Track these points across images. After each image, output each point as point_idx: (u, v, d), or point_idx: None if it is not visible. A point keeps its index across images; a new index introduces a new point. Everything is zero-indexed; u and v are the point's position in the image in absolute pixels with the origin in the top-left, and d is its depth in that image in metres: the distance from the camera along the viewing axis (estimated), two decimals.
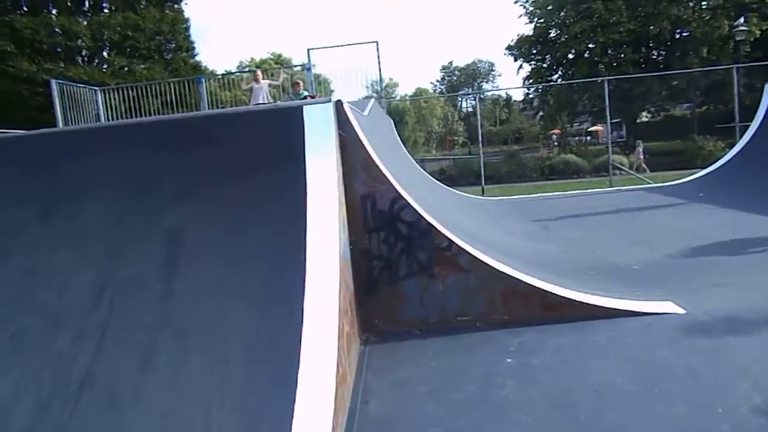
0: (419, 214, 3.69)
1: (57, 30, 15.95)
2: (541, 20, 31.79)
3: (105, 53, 17.37)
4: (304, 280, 3.01)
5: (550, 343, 3.42)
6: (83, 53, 16.94)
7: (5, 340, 3.18)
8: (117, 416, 2.73)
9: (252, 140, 3.53)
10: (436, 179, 26.88)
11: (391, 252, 3.77)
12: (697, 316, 3.58)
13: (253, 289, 3.15)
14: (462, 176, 28.38)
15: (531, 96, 38.20)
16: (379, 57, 11.81)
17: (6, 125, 11.18)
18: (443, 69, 64.83)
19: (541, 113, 39.10)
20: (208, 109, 12.26)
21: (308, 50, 11.72)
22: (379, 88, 12.24)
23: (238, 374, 2.86)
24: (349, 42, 11.86)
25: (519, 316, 3.72)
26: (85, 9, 17.57)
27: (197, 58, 21.85)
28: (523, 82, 35.37)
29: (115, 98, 12.42)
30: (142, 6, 19.12)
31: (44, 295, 3.33)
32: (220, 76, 13.13)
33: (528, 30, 32.43)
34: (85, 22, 16.69)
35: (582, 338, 3.46)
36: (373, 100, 7.24)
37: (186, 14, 21.37)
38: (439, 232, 3.70)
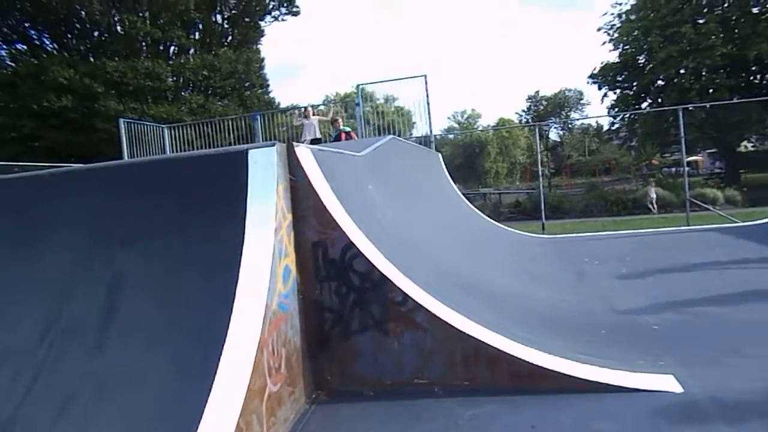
0: (371, 264, 3.40)
1: (142, 72, 17.37)
2: (627, 47, 30.34)
3: (185, 93, 18.62)
4: (225, 335, 2.84)
5: (504, 420, 2.97)
6: (165, 93, 18.27)
7: None
8: None
9: (199, 184, 3.46)
10: (510, 211, 26.10)
11: (343, 304, 3.50)
12: (695, 397, 2.97)
13: (176, 342, 3.03)
14: (536, 209, 27.28)
15: (617, 125, 36.34)
16: (427, 90, 11.66)
17: (97, 159, 12.24)
18: (529, 99, 63.51)
19: (628, 143, 37.07)
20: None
21: (358, 86, 11.84)
22: (428, 122, 11.99)
23: (141, 430, 2.73)
24: (398, 77, 11.76)
25: (483, 383, 3.29)
26: (169, 53, 19.08)
27: (271, 95, 23.04)
28: (608, 111, 33.85)
29: (179, 135, 13.20)
30: (225, 47, 20.51)
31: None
32: (277, 112, 13.47)
33: (613, 57, 30.98)
34: (167, 65, 18.04)
35: (544, 416, 2.97)
36: (390, 137, 7.03)
37: (263, 54, 22.73)
38: (393, 284, 3.38)
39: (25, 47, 19.53)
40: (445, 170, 11.42)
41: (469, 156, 57.48)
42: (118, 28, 18.17)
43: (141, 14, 17.96)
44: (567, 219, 20.56)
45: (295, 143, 3.56)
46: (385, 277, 3.39)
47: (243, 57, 19.86)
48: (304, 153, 3.57)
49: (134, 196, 3.54)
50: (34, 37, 19.30)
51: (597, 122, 50.20)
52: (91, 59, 17.58)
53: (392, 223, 4.79)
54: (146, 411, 2.79)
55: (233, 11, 20.81)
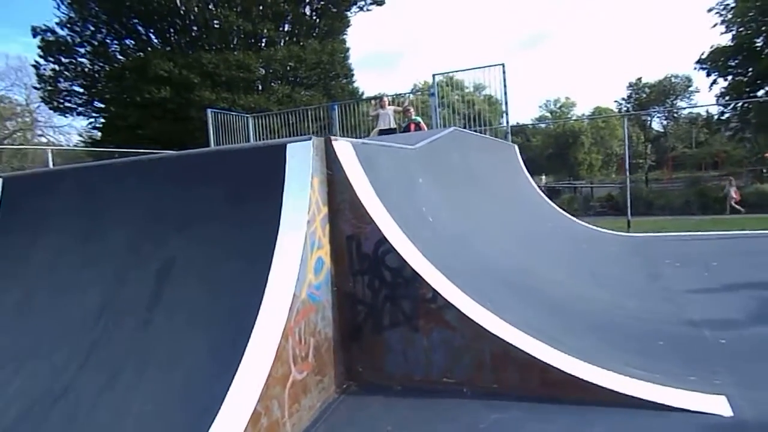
0: (403, 260, 3.38)
1: (233, 64, 18.31)
2: (741, 29, 27.51)
3: (273, 83, 19.40)
4: (255, 322, 2.98)
5: (528, 428, 2.87)
6: (255, 83, 19.15)
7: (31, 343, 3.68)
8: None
9: (243, 176, 3.61)
10: (601, 206, 24.67)
11: (375, 298, 3.52)
12: (745, 424, 2.69)
13: (212, 325, 3.20)
14: (630, 204, 25.69)
15: (727, 115, 33.18)
16: (504, 80, 11.29)
17: (192, 146, 13.15)
18: (631, 86, 59.26)
19: (741, 134, 33.78)
20: (339, 133, 12.91)
21: (433, 75, 11.69)
22: (502, 110, 11.60)
23: (170, 407, 2.93)
24: (474, 66, 11.48)
25: (512, 387, 3.19)
26: (260, 44, 19.93)
27: (356, 84, 23.39)
28: (717, 100, 31.03)
29: (263, 124, 13.79)
30: (311, 38, 21.11)
31: (67, 310, 3.79)
32: (355, 102, 13.66)
33: (724, 40, 28.24)
34: (257, 57, 18.87)
35: (571, 428, 2.83)
36: (452, 129, 6.89)
37: (348, 44, 23.14)
38: (424, 281, 3.34)
39: (132, 42, 21.29)
40: (521, 163, 11.04)
41: (561, 146, 55.07)
42: (214, 22, 19.22)
43: (234, 8, 18.88)
44: (661, 216, 19.19)
45: (333, 137, 3.61)
46: (417, 273, 3.36)
47: (328, 48, 20.32)
48: (342, 147, 3.61)
49: (187, 185, 3.77)
50: (142, 32, 20.96)
51: (707, 111, 45.89)
52: (189, 52, 18.78)
53: (443, 217, 4.73)
54: (177, 390, 2.97)
55: (320, 3, 21.30)
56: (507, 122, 11.63)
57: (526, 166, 10.69)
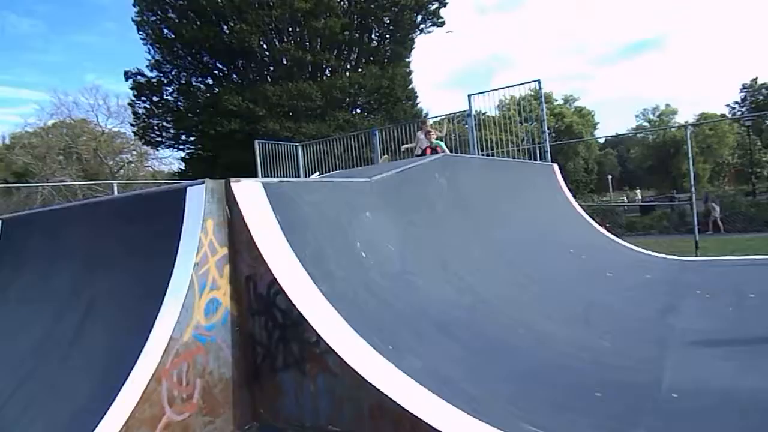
0: (291, 302, 3.34)
1: (295, 94, 19.15)
2: None
3: (333, 110, 20.01)
4: (131, 366, 3.09)
5: None
6: (316, 111, 19.86)
7: None
8: None
9: (150, 219, 3.77)
10: (698, 221, 22.59)
11: (270, 339, 3.50)
12: None
13: (108, 367, 3.33)
14: (730, 219, 23.51)
15: None
16: (542, 95, 10.80)
17: (264, 176, 13.93)
18: (745, 88, 53.74)
19: None
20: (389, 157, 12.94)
21: (468, 96, 11.45)
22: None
23: None
24: (511, 84, 11.10)
25: None
26: (321, 74, 20.71)
27: (419, 106, 23.47)
28: None
29: (311, 152, 14.24)
30: (372, 64, 21.59)
31: (19, 342, 4.14)
32: (388, 127, 13.69)
33: None
34: (317, 86, 19.60)
35: None
36: (441, 155, 6.68)
37: (411, 68, 23.34)
38: (308, 324, 3.27)
39: (211, 80, 23.04)
40: (560, 183, 10.45)
41: (662, 157, 51.31)
42: (280, 57, 20.29)
43: (294, 41, 19.81)
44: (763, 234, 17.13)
45: (235, 179, 3.67)
46: (302, 315, 3.30)
47: (388, 73, 20.62)
48: (244, 188, 3.66)
49: (113, 229, 4.01)
50: (216, 71, 22.63)
51: None
52: (255, 86, 19.92)
53: (392, 252, 4.60)
54: (63, 427, 3.14)
55: (382, 29, 21.74)
56: (546, 140, 11.04)
57: (623, 179, 10.08)
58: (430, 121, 12.89)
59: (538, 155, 11.63)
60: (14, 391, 3.67)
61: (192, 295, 3.31)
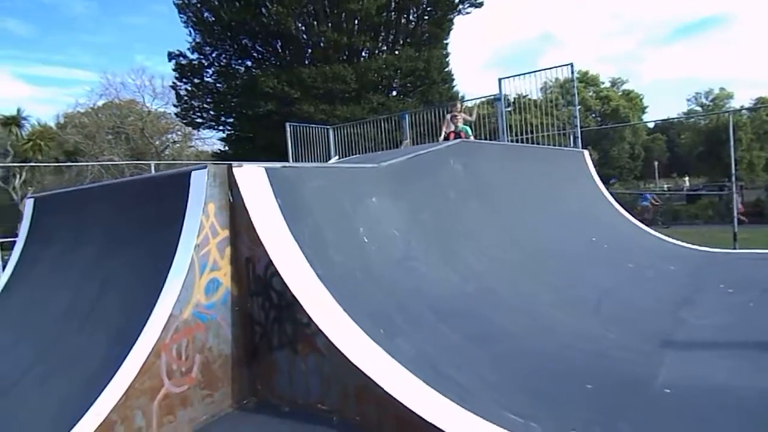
0: (285, 284, 3.46)
1: (330, 77, 19.24)
2: None
3: (367, 93, 20.00)
4: (134, 341, 3.29)
5: None
6: (350, 94, 19.91)
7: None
8: None
9: (163, 201, 3.94)
10: (747, 212, 21.66)
11: (267, 319, 3.64)
12: None
13: (112, 340, 3.55)
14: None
15: None
16: (573, 79, 10.51)
17: (294, 158, 14.21)
18: None
19: None
20: (411, 141, 12.95)
21: (499, 80, 11.25)
22: (576, 109, 10.75)
23: (63, 407, 3.33)
24: (539, 68, 10.84)
25: (372, 422, 3.11)
26: (356, 57, 20.70)
27: (456, 89, 23.18)
28: None
29: (342, 135, 14.34)
30: (408, 45, 21.44)
31: (48, 310, 4.44)
32: (420, 111, 13.59)
33: None
34: (351, 69, 19.62)
35: None
36: (458, 141, 6.61)
37: (449, 49, 23.01)
38: (300, 305, 3.39)
39: (250, 62, 23.36)
40: (590, 170, 10.20)
41: (713, 144, 48.98)
42: (317, 39, 20.38)
43: (330, 23, 19.84)
44: None
45: (237, 164, 3.79)
46: (295, 297, 3.42)
47: (424, 55, 20.40)
48: (245, 173, 3.78)
49: (130, 208, 4.23)
50: (254, 53, 22.92)
51: None
52: (292, 68, 20.11)
53: (395, 238, 4.67)
54: (72, 392, 3.37)
55: (419, 10, 21.48)
56: (577, 126, 10.76)
57: (672, 166, 9.82)
58: (465, 104, 12.75)
59: (571, 141, 11.37)
60: (39, 357, 3.96)
61: (192, 275, 3.47)
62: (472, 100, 17.09)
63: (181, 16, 22.58)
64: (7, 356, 4.12)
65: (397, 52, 20.69)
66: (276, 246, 3.61)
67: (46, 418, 3.24)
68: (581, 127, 12.02)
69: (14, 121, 29.10)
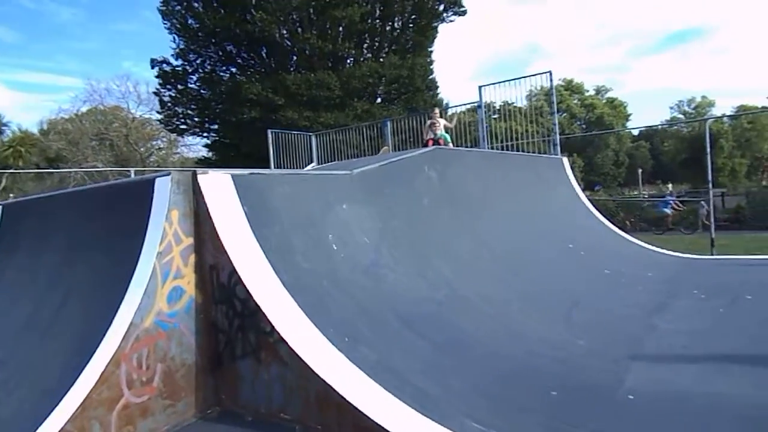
0: (248, 292, 3.43)
1: (314, 83, 19.24)
2: None
3: (352, 100, 20.03)
4: (93, 351, 3.24)
5: None
6: (335, 101, 19.91)
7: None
8: None
9: (126, 208, 3.90)
10: (725, 219, 21.84)
11: (231, 327, 3.61)
12: None
13: (77, 350, 3.49)
14: (757, 217, 22.92)
15: None
16: (552, 87, 10.62)
17: (276, 165, 14.16)
18: None
19: None
20: (392, 148, 12.99)
21: (479, 87, 11.34)
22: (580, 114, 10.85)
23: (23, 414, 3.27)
24: (522, 75, 10.92)
25: (332, 430, 3.09)
26: (340, 63, 20.74)
27: (440, 97, 23.32)
28: None
29: (325, 141, 14.33)
30: (393, 53, 21.55)
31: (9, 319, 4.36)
32: (401, 118, 13.66)
33: None
34: (335, 76, 19.64)
35: None
36: (432, 149, 6.65)
37: (434, 57, 23.16)
38: (263, 314, 3.36)
39: (234, 69, 23.29)
40: (569, 176, 10.29)
41: (696, 151, 49.62)
42: (298, 46, 20.38)
43: (313, 31, 19.85)
44: None
45: (202, 171, 3.77)
46: (258, 305, 3.39)
47: (408, 62, 20.49)
48: (210, 180, 3.75)
49: (91, 216, 4.17)
50: (239, 60, 22.88)
51: None
52: (277, 74, 20.09)
53: (364, 244, 4.66)
54: (31, 402, 3.31)
55: (403, 18, 21.60)
56: (556, 132, 10.85)
57: (656, 173, 9.90)
58: (448, 112, 12.81)
59: (551, 148, 11.46)
60: (3, 366, 3.88)
61: (155, 283, 3.44)
62: (456, 107, 17.24)
63: (165, 22, 22.49)
64: None
65: (381, 60, 20.74)
66: (240, 253, 3.58)
67: (3, 428, 3.19)
68: (566, 134, 12.13)
69: None
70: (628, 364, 4.01)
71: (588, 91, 54.27)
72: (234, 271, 3.52)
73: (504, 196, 7.46)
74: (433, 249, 5.33)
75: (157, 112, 26.99)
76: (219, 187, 3.78)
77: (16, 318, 4.28)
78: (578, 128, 48.05)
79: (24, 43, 58.40)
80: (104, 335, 3.28)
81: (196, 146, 38.28)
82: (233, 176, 3.93)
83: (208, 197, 3.69)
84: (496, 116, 16.11)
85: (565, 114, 49.02)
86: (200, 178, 3.72)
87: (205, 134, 25.66)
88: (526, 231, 7.22)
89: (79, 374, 3.14)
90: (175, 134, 30.19)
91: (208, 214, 3.65)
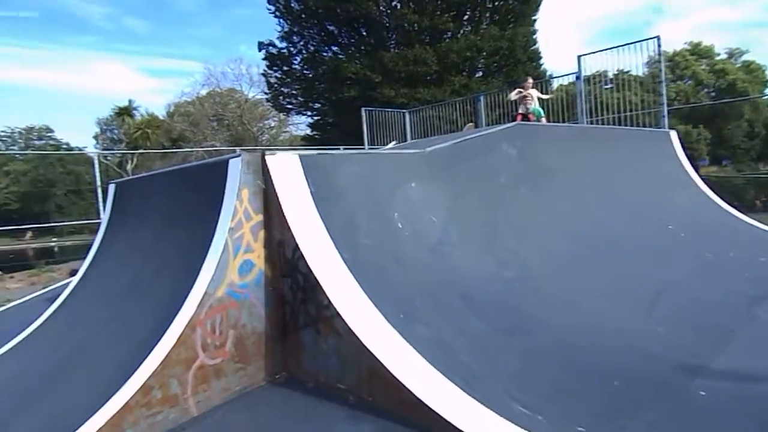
0: (309, 267, 3.62)
1: (411, 60, 19.19)
2: None
3: (449, 75, 19.73)
4: (175, 315, 3.62)
5: None
6: (432, 77, 19.74)
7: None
8: None
9: (209, 187, 4.21)
10: None
11: (295, 299, 3.83)
12: None
13: (163, 314, 3.90)
14: None
15: None
16: (660, 55, 9.70)
17: (370, 142, 14.58)
18: None
19: None
20: (485, 123, 12.70)
21: (578, 57, 10.66)
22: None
23: (116, 370, 3.74)
24: (626, 42, 10.06)
25: (382, 402, 3.21)
26: (438, 38, 20.42)
27: (544, 67, 22.19)
28: None
29: (419, 118, 14.32)
30: (493, 24, 20.84)
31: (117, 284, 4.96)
32: (496, 92, 13.20)
33: None
34: (432, 51, 19.42)
35: None
36: (514, 124, 6.35)
37: (537, 26, 22.01)
38: (321, 288, 3.53)
39: (336, 48, 23.87)
40: (677, 151, 9.43)
41: None
42: (396, 22, 20.35)
43: (410, 5, 19.69)
44: None
45: (270, 152, 3.99)
46: (317, 280, 3.56)
47: (508, 33, 19.71)
48: (277, 161, 3.96)
49: (182, 193, 4.59)
50: (340, 39, 23.38)
51: None
52: (375, 52, 20.29)
53: (432, 223, 4.68)
54: (126, 358, 3.77)
55: None
56: (663, 104, 9.93)
57: None
58: (551, 84, 12.20)
59: (664, 121, 10.51)
60: (107, 324, 4.45)
61: (227, 256, 3.73)
62: (560, 77, 16.30)
63: (270, 6, 23.50)
64: (88, 319, 4.68)
65: (480, 32, 20.12)
66: (303, 230, 3.77)
67: (105, 376, 3.66)
68: (691, 104, 11.09)
69: (126, 112, 32.07)
70: (710, 358, 3.69)
71: (719, 54, 48.61)
72: (297, 247, 3.72)
73: (594, 174, 7.04)
74: (506, 229, 5.20)
75: (264, 93, 28.52)
76: (286, 167, 3.98)
77: (122, 282, 4.85)
78: (705, 96, 43.42)
79: (153, 32, 64.18)
80: (183, 302, 3.63)
81: (302, 125, 40.00)
82: (300, 156, 4.10)
83: (275, 177, 3.90)
84: (609, 87, 15.07)
85: (690, 81, 44.41)
86: (268, 158, 3.93)
87: (308, 113, 26.76)
88: (618, 211, 6.78)
89: (161, 336, 3.51)
90: (281, 113, 31.68)
91: (275, 192, 3.86)
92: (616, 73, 12.81)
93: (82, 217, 25.86)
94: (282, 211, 3.82)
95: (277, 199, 3.85)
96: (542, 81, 14.04)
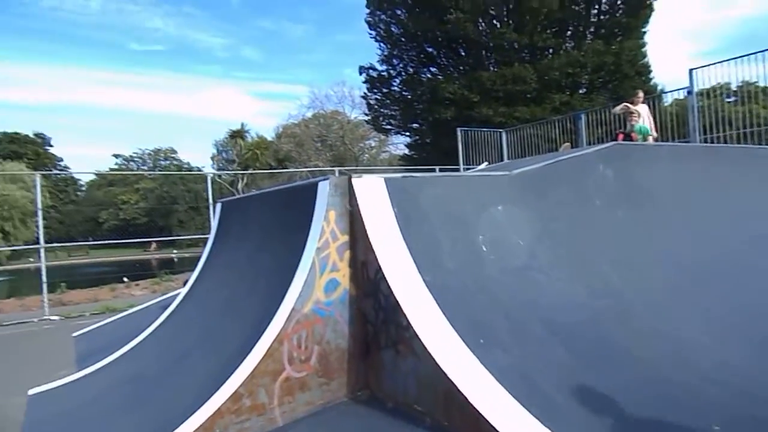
0: (390, 288, 3.70)
1: (509, 78, 18.92)
2: None
3: (549, 93, 19.19)
4: (264, 329, 3.87)
5: None
6: (531, 95, 19.30)
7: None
8: None
9: (300, 207, 4.46)
10: None
11: (377, 319, 3.91)
12: None
13: (255, 327, 4.18)
14: None
15: None
16: None
17: (465, 162, 14.67)
18: None
19: None
20: (587, 142, 12.18)
21: (690, 71, 9.95)
22: None
23: (211, 377, 4.05)
24: (742, 54, 9.22)
25: (458, 430, 3.18)
26: (537, 55, 19.96)
27: (654, 80, 20.83)
28: None
29: (516, 138, 14.06)
30: (598, 38, 20.01)
31: (215, 298, 5.38)
32: (597, 109, 12.56)
33: None
34: (532, 68, 19.01)
35: None
36: (610, 145, 5.99)
37: (647, 38, 20.77)
38: (401, 309, 3.59)
39: (434, 69, 24.19)
40: None
41: None
42: (493, 41, 20.22)
43: (510, 24, 19.47)
44: None
45: (356, 175, 4.15)
46: (397, 301, 3.63)
47: (613, 48, 18.79)
48: (363, 183, 4.11)
49: (271, 213, 4.91)
50: (438, 61, 23.67)
51: None
52: (472, 73, 20.29)
53: (519, 247, 4.59)
54: (219, 367, 4.07)
55: (608, 1, 19.86)
56: None
57: None
58: (662, 99, 11.44)
59: None
60: (203, 337, 4.83)
61: (313, 274, 3.92)
62: (670, 92, 15.22)
63: (371, 32, 24.38)
64: (188, 331, 5.11)
65: (584, 48, 19.41)
66: (386, 251, 3.86)
67: (198, 384, 3.97)
68: None
69: (238, 134, 34.63)
70: None
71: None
72: (379, 268, 3.82)
73: (705, 196, 6.49)
74: (600, 254, 4.95)
75: (365, 114, 29.50)
76: (371, 190, 4.12)
77: (218, 299, 5.25)
78: None
79: (266, 59, 69.07)
80: (272, 317, 3.86)
81: (401, 144, 40.79)
82: (386, 179, 4.23)
83: (361, 199, 4.05)
84: (732, 99, 13.87)
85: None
86: (354, 181, 4.10)
87: (407, 133, 27.26)
88: (732, 237, 6.18)
89: (252, 348, 3.75)
90: (381, 133, 32.52)
91: (360, 214, 4.00)
92: (740, 84, 11.74)
93: (198, 231, 28.19)
94: (366, 232, 3.94)
95: (362, 220, 3.99)
96: (652, 96, 13.21)
